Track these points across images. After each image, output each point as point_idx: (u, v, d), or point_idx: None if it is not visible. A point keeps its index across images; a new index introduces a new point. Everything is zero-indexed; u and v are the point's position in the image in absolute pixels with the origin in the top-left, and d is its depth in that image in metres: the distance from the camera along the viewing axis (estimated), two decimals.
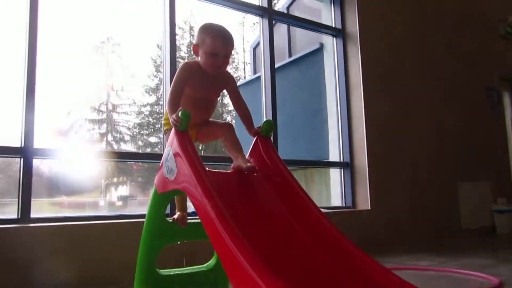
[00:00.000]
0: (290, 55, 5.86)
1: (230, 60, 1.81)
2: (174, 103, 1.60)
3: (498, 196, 5.03)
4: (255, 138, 1.76)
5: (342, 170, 4.16)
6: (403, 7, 4.64)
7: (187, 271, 1.83)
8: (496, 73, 5.60)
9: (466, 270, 2.58)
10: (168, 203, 1.69)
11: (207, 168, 1.49)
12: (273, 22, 3.93)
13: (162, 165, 1.59)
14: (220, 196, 1.33)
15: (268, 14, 3.83)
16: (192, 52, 2.15)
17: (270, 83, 3.76)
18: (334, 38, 4.40)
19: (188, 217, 1.80)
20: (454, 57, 5.07)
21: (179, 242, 1.79)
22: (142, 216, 2.71)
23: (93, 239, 2.49)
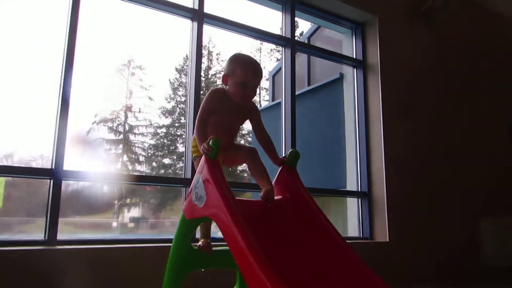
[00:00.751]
0: (309, 84, 5.94)
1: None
2: (203, 130, 1.65)
3: None
4: (280, 168, 1.78)
5: (359, 200, 4.13)
6: (423, 40, 4.68)
7: None
8: None
9: None
10: (195, 229, 1.70)
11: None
12: (295, 52, 4.00)
13: (191, 191, 1.61)
14: (248, 224, 1.34)
15: (291, 44, 3.91)
16: (213, 81, 2.20)
17: (290, 111, 3.80)
18: (355, 69, 4.45)
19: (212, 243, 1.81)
20: (475, 91, 5.06)
21: (203, 270, 1.79)
22: (166, 240, 2.77)
23: (119, 263, 2.49)
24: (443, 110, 4.67)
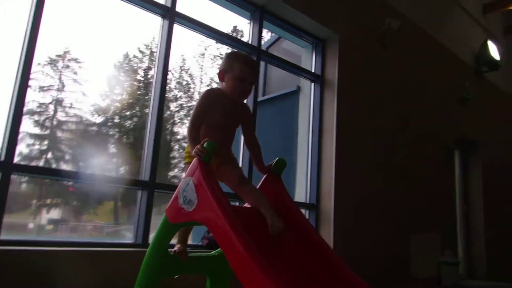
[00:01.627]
0: (264, 93, 6.02)
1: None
2: (195, 133, 1.62)
3: (445, 248, 5.33)
4: (265, 176, 1.79)
5: (307, 212, 4.24)
6: (378, 61, 4.95)
7: None
8: (452, 134, 6.05)
9: None
10: (175, 234, 1.66)
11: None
12: (260, 60, 4.05)
13: (177, 194, 1.58)
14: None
15: (257, 53, 3.94)
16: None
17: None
18: (312, 83, 4.59)
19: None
20: (420, 115, 5.44)
21: (176, 276, 1.75)
22: (85, 244, 2.65)
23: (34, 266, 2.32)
24: (391, 129, 4.97)
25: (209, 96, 1.72)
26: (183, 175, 1.59)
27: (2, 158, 2.35)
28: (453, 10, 6.43)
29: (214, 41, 3.84)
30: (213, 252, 1.83)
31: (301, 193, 4.36)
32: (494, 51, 6.88)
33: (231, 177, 1.68)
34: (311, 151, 4.39)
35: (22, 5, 2.55)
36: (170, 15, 3.36)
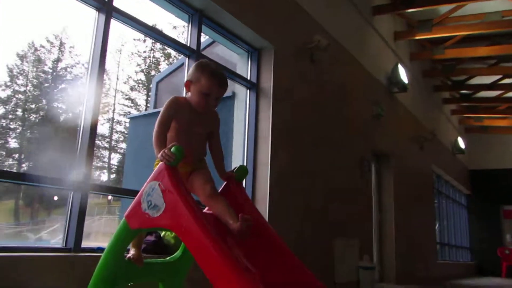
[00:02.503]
0: None
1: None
2: (161, 137, 1.55)
3: (363, 253, 5.67)
4: (225, 182, 1.76)
5: None
6: (306, 75, 5.16)
7: None
8: (369, 146, 6.50)
9: None
10: (132, 239, 1.56)
11: None
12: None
13: (139, 198, 1.48)
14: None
15: (196, 56, 3.89)
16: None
17: None
18: (248, 90, 4.64)
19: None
20: (341, 128, 5.77)
21: (131, 284, 1.64)
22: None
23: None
24: (319, 140, 5.19)
25: (176, 103, 1.65)
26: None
27: None
28: (370, 33, 6.95)
29: (131, 37, 3.71)
30: (167, 258, 1.75)
31: None
32: (403, 74, 7.57)
33: (202, 187, 1.61)
34: (246, 157, 4.42)
35: None
36: (107, 9, 3.18)
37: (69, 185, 2.78)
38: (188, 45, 3.95)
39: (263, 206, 4.23)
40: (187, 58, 3.97)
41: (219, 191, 1.73)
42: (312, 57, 5.23)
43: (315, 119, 5.22)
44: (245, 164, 4.40)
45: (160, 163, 1.47)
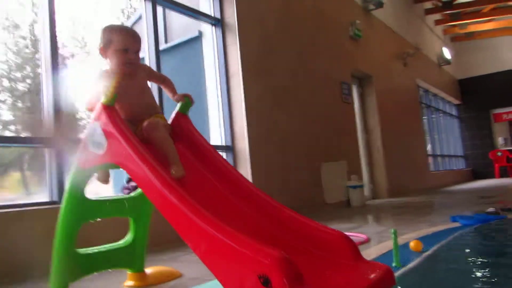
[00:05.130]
0: (166, 41, 5.84)
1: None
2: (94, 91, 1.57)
3: (351, 174, 5.88)
4: (173, 116, 1.82)
5: (225, 154, 4.38)
6: (274, 2, 5.05)
7: (106, 249, 1.83)
8: (348, 69, 6.49)
9: None
10: (89, 179, 1.66)
11: None
12: (156, 5, 3.92)
13: (85, 140, 1.56)
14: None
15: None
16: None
17: (156, 66, 3.76)
18: (213, 27, 4.57)
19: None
20: (316, 54, 5.73)
21: (99, 219, 1.76)
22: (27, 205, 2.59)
23: None
24: (293, 68, 5.19)
25: (104, 74, 1.65)
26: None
27: None
28: None
29: None
30: (132, 194, 1.86)
31: (216, 136, 4.46)
32: None
33: (150, 122, 1.63)
34: (220, 95, 4.47)
35: None
36: None
37: (43, 142, 2.88)
38: None
39: (242, 143, 4.33)
40: (143, 1, 3.88)
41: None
42: None
43: (288, 48, 5.18)
44: (220, 104, 4.44)
45: (98, 105, 1.53)
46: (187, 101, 1.82)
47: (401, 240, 2.54)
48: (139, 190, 1.88)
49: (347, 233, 2.77)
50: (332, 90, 5.99)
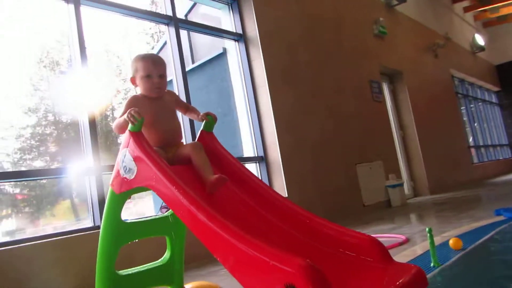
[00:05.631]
0: (193, 61, 6.00)
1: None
2: (122, 116, 1.67)
3: (389, 173, 5.77)
4: (199, 135, 1.89)
5: (257, 164, 4.43)
6: (293, 12, 5.10)
7: (145, 268, 1.90)
8: (376, 68, 6.41)
9: (376, 234, 3.01)
10: (124, 203, 1.75)
11: None
12: (179, 29, 4.05)
13: (117, 166, 1.65)
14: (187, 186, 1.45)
15: (174, 21, 3.95)
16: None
17: (183, 88, 3.88)
18: (237, 43, 4.66)
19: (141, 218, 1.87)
20: (341, 56, 5.70)
21: (136, 240, 1.85)
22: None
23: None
24: (317, 73, 5.19)
25: (134, 98, 1.77)
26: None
27: None
28: None
29: (128, 19, 3.80)
30: (165, 213, 1.94)
31: (248, 148, 4.53)
32: None
33: (182, 148, 1.76)
34: (249, 108, 4.53)
35: None
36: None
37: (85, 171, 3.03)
38: (165, 13, 4.00)
39: (274, 153, 4.37)
40: (167, 26, 4.03)
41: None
42: None
43: (312, 54, 5.19)
44: (249, 117, 4.50)
45: (126, 132, 1.62)
46: (210, 120, 1.89)
47: (441, 238, 2.48)
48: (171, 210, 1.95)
49: (384, 235, 2.74)
50: (361, 90, 5.93)
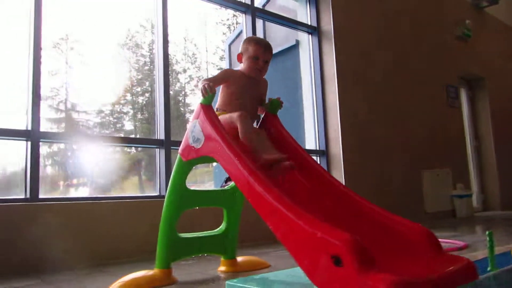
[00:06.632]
0: None
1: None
2: (209, 80, 1.80)
3: (457, 182, 5.50)
4: (263, 116, 1.98)
5: (318, 158, 4.45)
6: (370, 8, 5.01)
7: (203, 235, 2.04)
8: (455, 72, 6.10)
9: None
10: (190, 170, 1.88)
11: None
12: (256, 18, 4.17)
13: (187, 136, 1.79)
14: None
15: (252, 10, 4.07)
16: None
17: None
18: (310, 36, 4.69)
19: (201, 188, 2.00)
20: (418, 56, 5.51)
21: (197, 207, 1.98)
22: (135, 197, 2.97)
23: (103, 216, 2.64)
24: (390, 74, 5.07)
25: (230, 70, 1.95)
26: None
27: (29, 127, 2.61)
28: None
29: (212, 8, 3.99)
30: (226, 187, 2.05)
31: (310, 141, 4.56)
32: None
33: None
34: (315, 101, 4.56)
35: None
36: None
37: (156, 143, 3.27)
38: (244, 1, 4.13)
39: (336, 148, 4.36)
40: (244, 14, 4.16)
41: (258, 126, 1.96)
42: None
43: (386, 53, 5.08)
44: (315, 110, 4.53)
45: (198, 105, 1.75)
46: (274, 101, 1.96)
47: (505, 248, 2.37)
48: (231, 184, 2.06)
49: (443, 240, 2.66)
50: (436, 94, 5.69)
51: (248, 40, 1.96)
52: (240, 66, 1.98)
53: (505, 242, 2.68)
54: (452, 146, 5.79)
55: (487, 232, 1.88)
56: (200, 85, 1.74)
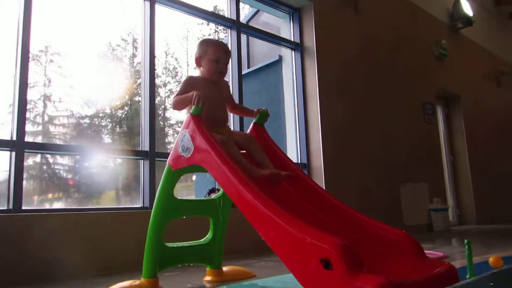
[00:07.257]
0: (249, 66, 6.21)
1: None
2: (179, 94, 1.83)
3: (434, 197, 5.64)
4: (251, 127, 2.02)
5: None
6: (351, 27, 5.17)
7: (189, 245, 2.05)
8: (432, 89, 6.31)
9: None
10: (178, 180, 1.90)
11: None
12: (241, 33, 4.24)
13: (176, 145, 1.81)
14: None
15: (237, 26, 4.15)
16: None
17: (238, 91, 4.05)
18: (293, 51, 4.80)
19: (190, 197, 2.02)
20: (396, 74, 5.69)
21: (184, 217, 2.00)
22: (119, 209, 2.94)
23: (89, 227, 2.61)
24: (371, 90, 5.21)
25: (191, 79, 1.94)
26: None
27: (14, 138, 2.58)
28: None
29: (195, 22, 4.04)
30: (213, 197, 2.08)
31: (292, 154, 4.62)
32: (466, 7, 7.10)
33: (239, 136, 1.90)
34: (297, 115, 4.63)
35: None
36: None
37: (140, 155, 3.26)
38: (229, 17, 4.21)
39: (318, 160, 4.44)
40: (229, 30, 4.24)
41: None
42: (356, 7, 5.20)
43: (366, 70, 5.22)
44: (297, 124, 4.61)
45: (187, 115, 1.79)
46: (262, 113, 2.02)
47: (481, 258, 2.45)
48: (218, 194, 2.09)
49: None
50: (413, 111, 5.86)
51: (206, 43, 1.94)
52: (198, 70, 1.98)
53: (482, 253, 2.77)
54: (429, 161, 5.95)
55: (465, 241, 1.95)
56: (192, 100, 1.76)
